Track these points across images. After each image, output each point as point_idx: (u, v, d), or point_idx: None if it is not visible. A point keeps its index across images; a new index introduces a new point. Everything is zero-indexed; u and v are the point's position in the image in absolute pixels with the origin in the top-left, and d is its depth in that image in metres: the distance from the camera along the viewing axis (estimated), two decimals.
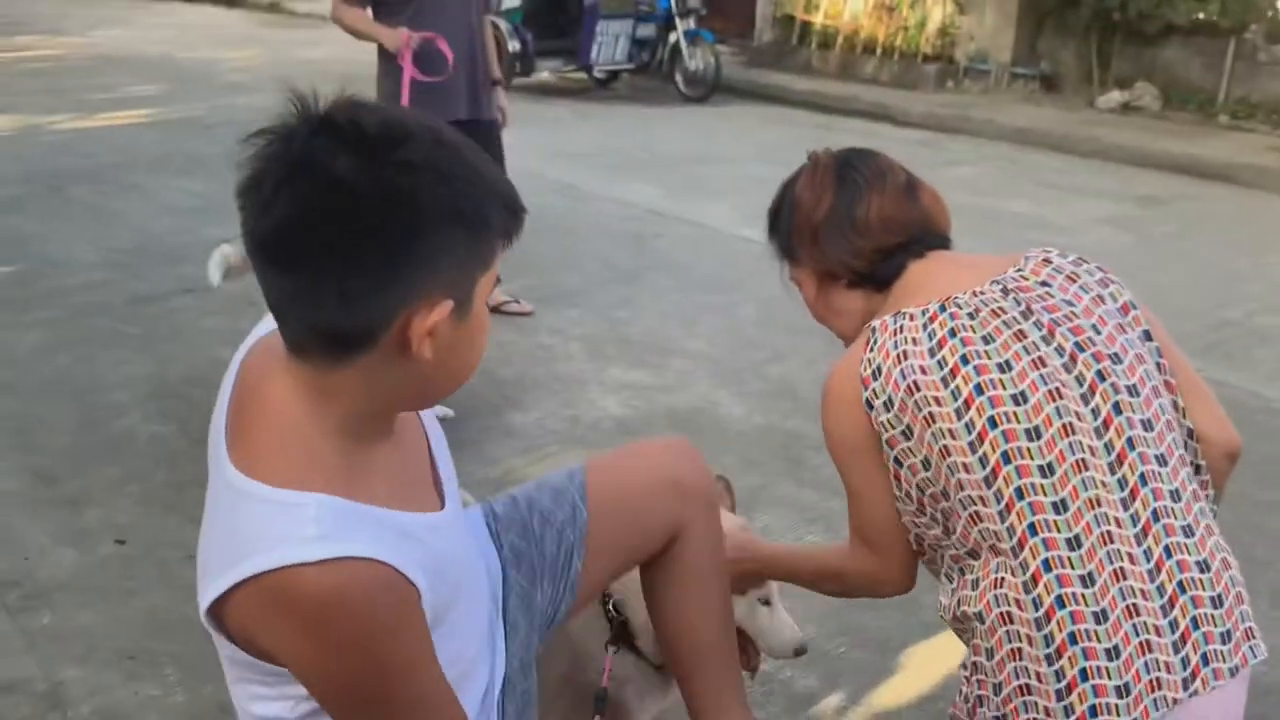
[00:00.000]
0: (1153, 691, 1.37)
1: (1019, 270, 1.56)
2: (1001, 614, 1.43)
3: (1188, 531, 1.45)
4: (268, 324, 1.23)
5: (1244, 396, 4.33)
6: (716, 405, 4.26)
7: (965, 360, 1.46)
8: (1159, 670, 1.37)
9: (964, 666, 1.52)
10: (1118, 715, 1.36)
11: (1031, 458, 1.42)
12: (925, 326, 1.49)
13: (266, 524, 1.06)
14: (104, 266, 5.40)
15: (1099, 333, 1.49)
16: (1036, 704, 1.40)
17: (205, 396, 3.88)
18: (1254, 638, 1.46)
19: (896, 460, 1.51)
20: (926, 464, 1.48)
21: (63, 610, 2.86)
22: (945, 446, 1.45)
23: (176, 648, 2.66)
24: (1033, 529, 1.41)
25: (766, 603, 1.96)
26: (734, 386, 4.43)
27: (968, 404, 1.44)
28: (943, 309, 1.50)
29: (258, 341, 1.24)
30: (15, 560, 3.08)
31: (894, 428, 1.49)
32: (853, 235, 1.59)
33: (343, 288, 1.04)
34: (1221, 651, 1.41)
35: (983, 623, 1.45)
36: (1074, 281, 1.54)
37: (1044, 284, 1.53)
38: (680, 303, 5.33)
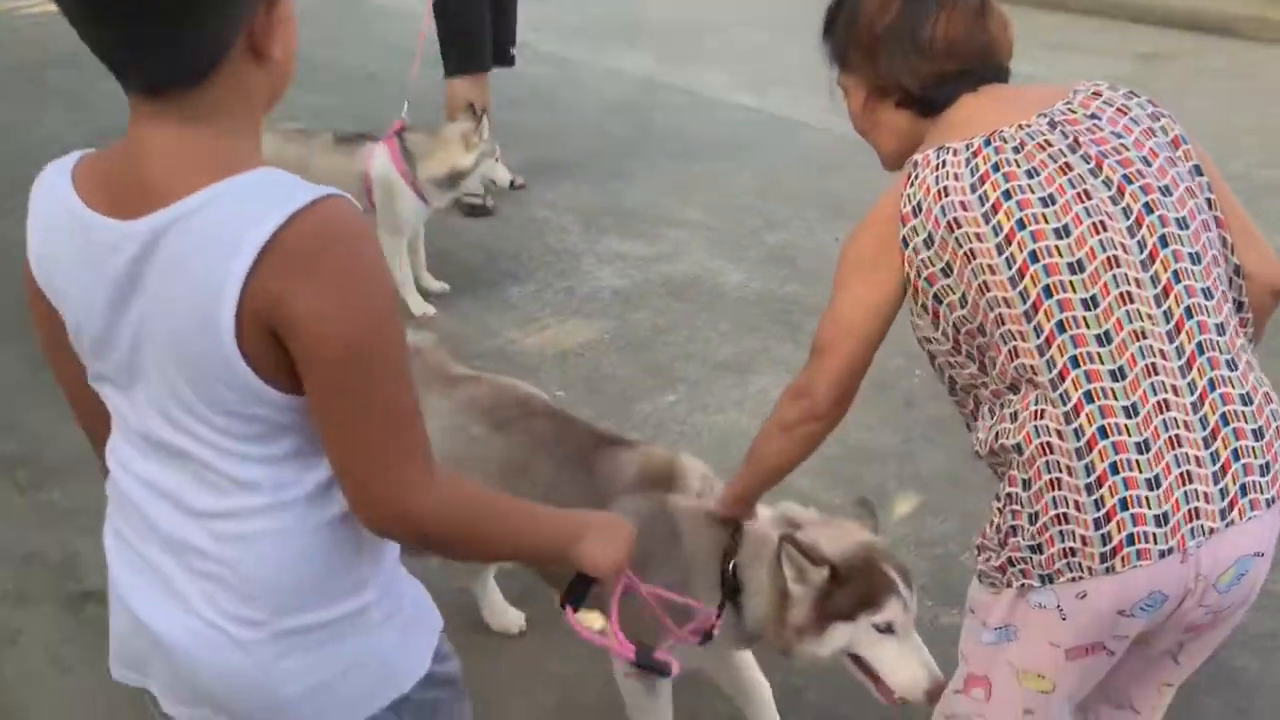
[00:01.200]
0: (1190, 521, 1.37)
1: (1067, 104, 1.50)
2: (1041, 445, 1.41)
3: (1231, 365, 1.43)
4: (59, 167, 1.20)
5: None
6: (715, 273, 4.24)
7: (1008, 195, 1.42)
8: (1198, 500, 1.37)
9: (996, 498, 1.51)
10: (1155, 543, 1.36)
11: (1074, 291, 1.40)
12: (968, 162, 1.45)
13: (242, 204, 1.05)
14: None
15: (1149, 165, 1.45)
16: (1074, 533, 1.39)
17: None
18: None
19: (936, 297, 1.49)
20: (964, 301, 1.46)
21: (70, 487, 2.90)
22: (985, 282, 1.42)
23: None
24: (1075, 361, 1.39)
25: (886, 630, 1.73)
26: (731, 254, 4.40)
27: (1009, 239, 1.41)
28: (987, 143, 1.46)
29: (71, 168, 1.19)
30: (22, 442, 3.11)
31: (934, 265, 1.47)
32: (913, 54, 1.53)
33: (184, 21, 1.05)
34: (1260, 483, 1.40)
35: (1021, 454, 1.44)
36: (1124, 114, 1.49)
37: (1093, 117, 1.48)
38: (676, 173, 5.27)
